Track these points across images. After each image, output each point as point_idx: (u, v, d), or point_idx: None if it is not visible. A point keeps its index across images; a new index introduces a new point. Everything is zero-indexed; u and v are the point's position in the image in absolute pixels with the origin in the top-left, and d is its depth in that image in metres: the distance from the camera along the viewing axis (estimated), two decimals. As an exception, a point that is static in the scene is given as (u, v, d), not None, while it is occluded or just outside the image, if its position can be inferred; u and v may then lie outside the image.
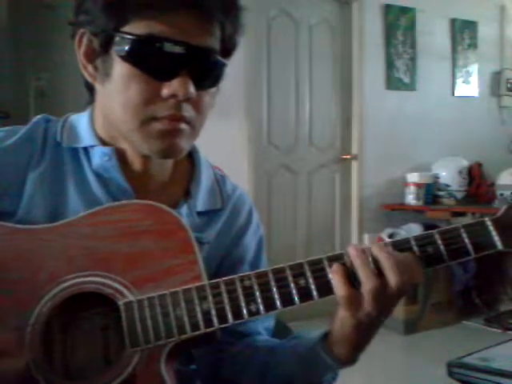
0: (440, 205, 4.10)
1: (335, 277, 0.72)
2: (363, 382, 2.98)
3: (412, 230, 3.81)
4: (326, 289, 0.73)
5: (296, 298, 0.72)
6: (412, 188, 4.10)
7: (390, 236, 3.77)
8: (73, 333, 0.78)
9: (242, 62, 3.51)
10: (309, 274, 0.73)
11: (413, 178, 4.13)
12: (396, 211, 4.15)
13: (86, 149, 0.86)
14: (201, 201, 0.91)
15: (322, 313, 3.48)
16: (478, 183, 4.28)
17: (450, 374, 1.74)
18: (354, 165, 4.18)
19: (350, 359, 0.79)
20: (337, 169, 4.17)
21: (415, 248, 0.73)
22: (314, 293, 0.72)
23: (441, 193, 4.17)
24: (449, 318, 3.88)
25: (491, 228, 0.72)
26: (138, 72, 0.77)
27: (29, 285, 0.75)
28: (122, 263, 0.76)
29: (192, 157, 0.94)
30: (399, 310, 3.58)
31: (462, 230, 0.73)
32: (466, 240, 0.72)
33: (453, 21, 4.61)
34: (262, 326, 0.96)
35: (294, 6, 3.92)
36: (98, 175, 0.85)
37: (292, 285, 0.72)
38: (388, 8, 4.25)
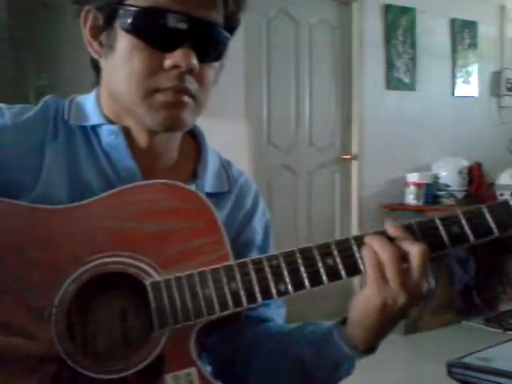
0: (440, 205, 4.09)
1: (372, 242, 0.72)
2: (363, 382, 2.98)
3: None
4: (353, 268, 0.73)
5: (324, 278, 0.72)
6: (412, 188, 4.10)
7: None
8: (98, 314, 0.77)
9: (242, 62, 3.51)
10: (336, 253, 0.73)
11: (413, 178, 4.12)
12: (396, 211, 4.15)
13: (93, 128, 0.86)
14: (208, 182, 0.91)
15: (323, 313, 3.50)
16: (477, 183, 4.28)
17: (450, 374, 1.74)
18: (354, 165, 4.19)
19: (368, 345, 0.76)
20: (337, 169, 4.17)
21: (440, 227, 0.73)
22: (342, 272, 0.72)
23: (441, 193, 4.17)
24: (449, 317, 3.88)
25: None
26: (141, 43, 0.78)
27: (53, 265, 0.74)
28: (148, 243, 0.75)
29: (198, 141, 0.95)
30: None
31: (485, 210, 0.74)
32: (490, 219, 0.73)
33: (453, 21, 4.61)
34: (276, 313, 0.95)
35: (294, 6, 3.91)
36: (106, 153, 0.85)
37: (320, 264, 0.72)
38: (388, 8, 4.24)
